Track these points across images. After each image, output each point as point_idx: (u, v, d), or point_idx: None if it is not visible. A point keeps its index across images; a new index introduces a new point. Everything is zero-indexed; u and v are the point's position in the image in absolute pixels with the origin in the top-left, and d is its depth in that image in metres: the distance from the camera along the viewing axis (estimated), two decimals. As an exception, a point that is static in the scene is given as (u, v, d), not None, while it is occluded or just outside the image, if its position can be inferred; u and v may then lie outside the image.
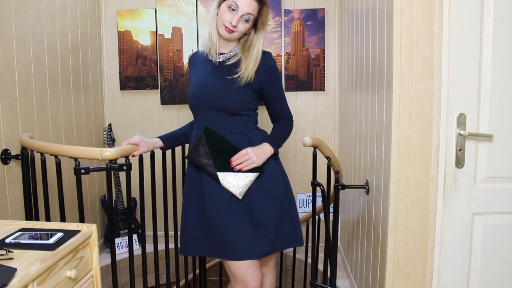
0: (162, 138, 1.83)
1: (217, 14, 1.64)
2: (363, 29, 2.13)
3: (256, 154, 1.60)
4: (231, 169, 1.60)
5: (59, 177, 1.78)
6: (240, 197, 1.60)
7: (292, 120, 1.80)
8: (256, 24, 1.64)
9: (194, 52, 1.85)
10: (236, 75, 1.62)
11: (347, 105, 2.66)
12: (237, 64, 1.65)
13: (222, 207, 1.62)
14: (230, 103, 1.63)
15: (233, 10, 1.58)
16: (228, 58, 1.67)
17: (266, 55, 1.66)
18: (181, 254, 1.75)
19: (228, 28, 1.59)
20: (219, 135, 1.62)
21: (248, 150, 1.60)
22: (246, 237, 1.62)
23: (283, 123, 1.76)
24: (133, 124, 3.11)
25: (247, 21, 1.60)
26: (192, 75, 1.76)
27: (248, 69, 1.61)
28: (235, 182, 1.60)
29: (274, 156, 1.71)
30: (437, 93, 1.57)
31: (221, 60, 1.68)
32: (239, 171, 1.59)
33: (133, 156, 1.73)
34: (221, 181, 1.61)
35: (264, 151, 1.63)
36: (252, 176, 1.60)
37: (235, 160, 1.59)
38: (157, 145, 1.81)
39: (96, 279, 1.32)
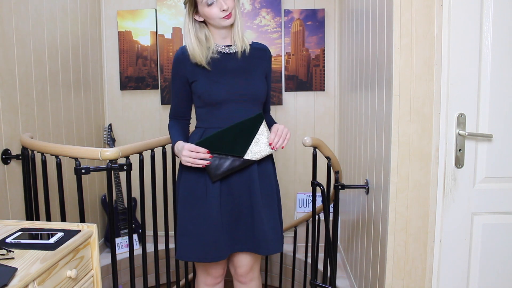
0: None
1: (195, 23, 1.62)
2: (363, 29, 2.13)
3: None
4: (248, 144, 1.56)
5: (59, 177, 1.79)
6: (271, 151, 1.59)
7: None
8: None
9: (180, 50, 1.68)
10: (232, 50, 1.65)
11: (347, 105, 2.66)
12: (249, 52, 1.67)
13: (253, 203, 1.60)
14: (259, 92, 1.64)
15: (212, 3, 1.55)
16: (236, 51, 1.66)
17: (264, 45, 1.74)
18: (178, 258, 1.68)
19: (227, 15, 1.57)
20: (210, 136, 1.55)
21: (281, 126, 1.59)
22: (265, 233, 1.61)
23: (269, 116, 1.81)
24: (133, 124, 3.12)
25: None
26: (199, 72, 1.62)
27: (237, 39, 1.64)
28: (259, 148, 1.57)
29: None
30: (436, 93, 1.57)
31: (232, 52, 1.65)
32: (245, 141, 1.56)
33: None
34: (257, 159, 1.58)
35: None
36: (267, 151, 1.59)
37: (274, 140, 1.56)
38: None
39: (97, 278, 1.32)
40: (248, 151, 1.56)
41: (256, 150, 1.56)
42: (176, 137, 1.65)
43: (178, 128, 1.71)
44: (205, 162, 1.52)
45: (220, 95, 1.60)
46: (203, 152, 1.51)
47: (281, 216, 1.73)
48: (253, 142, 1.56)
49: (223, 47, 1.65)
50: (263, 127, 1.56)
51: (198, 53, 1.59)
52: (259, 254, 1.64)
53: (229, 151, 1.54)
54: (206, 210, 1.58)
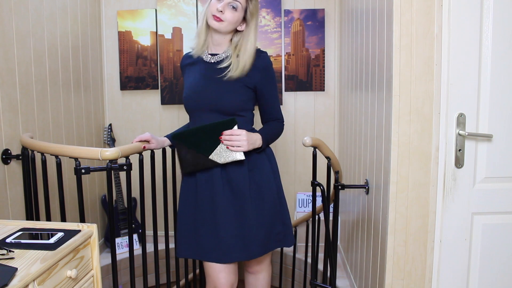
0: (169, 137, 1.87)
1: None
2: (363, 29, 2.13)
3: (248, 140, 1.58)
4: (215, 146, 1.59)
5: (59, 177, 1.79)
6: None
7: (283, 124, 1.79)
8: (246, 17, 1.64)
9: (184, 54, 1.83)
10: (226, 72, 1.63)
11: (347, 105, 2.66)
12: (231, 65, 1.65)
13: (216, 209, 1.63)
14: (227, 104, 1.62)
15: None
16: (222, 59, 1.66)
17: (262, 54, 1.66)
18: (178, 256, 1.76)
19: (216, 16, 1.58)
20: (186, 131, 1.64)
21: (243, 132, 1.58)
22: (227, 240, 1.62)
23: (274, 123, 1.76)
24: (133, 124, 3.12)
25: (234, 8, 1.58)
26: (186, 77, 1.75)
27: (241, 65, 1.60)
28: (225, 152, 1.60)
29: (269, 156, 1.73)
30: (436, 93, 1.57)
31: (214, 61, 1.68)
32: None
33: (145, 148, 1.75)
34: (221, 162, 1.60)
35: (255, 141, 1.63)
36: (239, 157, 1.60)
37: (226, 135, 1.57)
38: (165, 144, 1.86)
39: (97, 278, 1.32)
40: (214, 153, 1.60)
41: (222, 153, 1.59)
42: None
43: (187, 124, 1.87)
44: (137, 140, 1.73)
45: (192, 104, 1.68)
46: (143, 140, 1.74)
47: (282, 217, 1.73)
48: (220, 144, 1.59)
49: (210, 55, 1.68)
50: None
51: (202, 33, 1.68)
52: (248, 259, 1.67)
53: (198, 148, 1.62)
54: (198, 211, 1.66)
